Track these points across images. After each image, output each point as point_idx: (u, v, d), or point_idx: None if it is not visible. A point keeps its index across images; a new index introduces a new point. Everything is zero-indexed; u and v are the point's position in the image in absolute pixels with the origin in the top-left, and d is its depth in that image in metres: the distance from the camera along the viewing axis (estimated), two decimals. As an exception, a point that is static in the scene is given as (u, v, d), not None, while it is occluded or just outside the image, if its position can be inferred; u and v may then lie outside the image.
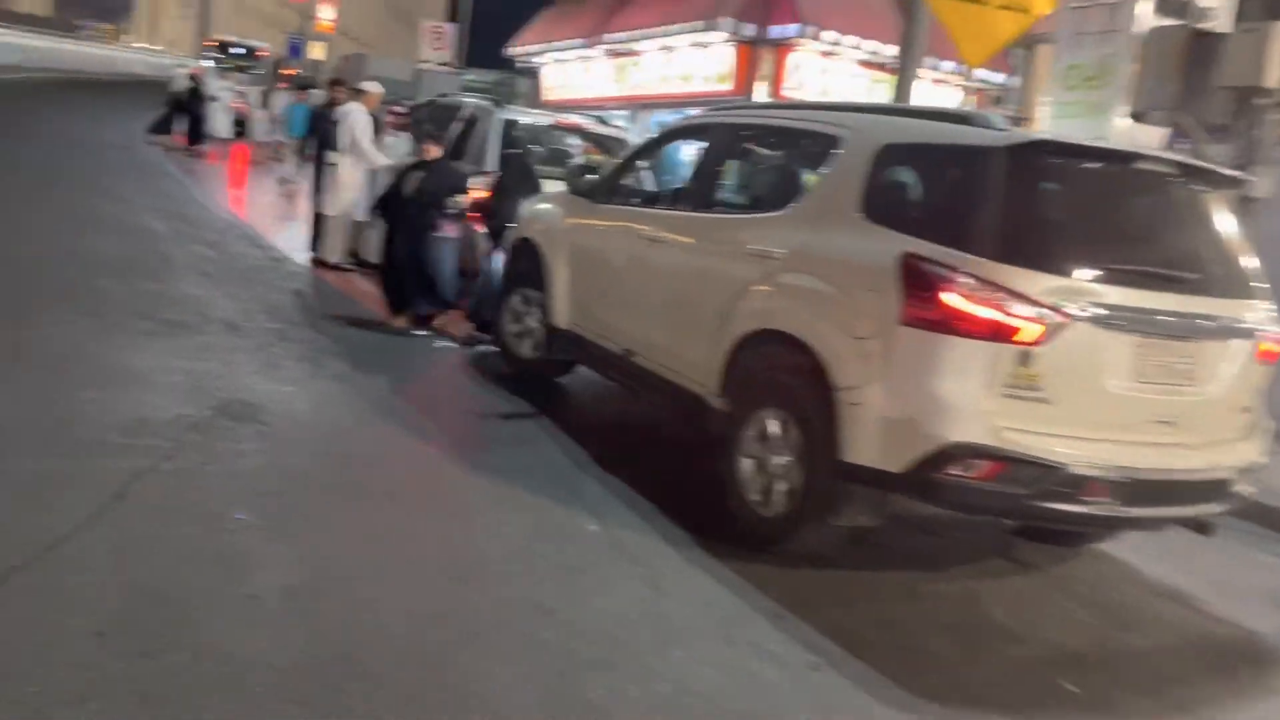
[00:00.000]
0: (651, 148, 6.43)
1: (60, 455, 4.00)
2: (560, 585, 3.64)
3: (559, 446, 5.34)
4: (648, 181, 6.63)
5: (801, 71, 13.38)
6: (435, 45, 18.97)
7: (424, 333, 7.46)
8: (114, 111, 26.96)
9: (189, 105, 19.03)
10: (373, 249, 8.61)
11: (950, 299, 3.64)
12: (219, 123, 19.43)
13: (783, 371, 4.29)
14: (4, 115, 20.44)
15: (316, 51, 42.16)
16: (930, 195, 4.27)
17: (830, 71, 13.48)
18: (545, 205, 6.69)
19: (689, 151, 6.38)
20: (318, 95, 17.56)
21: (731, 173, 5.64)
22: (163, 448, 4.26)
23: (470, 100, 9.51)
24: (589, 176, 6.13)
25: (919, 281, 3.72)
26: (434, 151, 7.58)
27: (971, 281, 3.64)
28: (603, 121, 9.74)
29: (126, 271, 7.86)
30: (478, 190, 7.68)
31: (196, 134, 19.01)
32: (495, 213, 7.48)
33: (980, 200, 3.83)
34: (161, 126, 19.50)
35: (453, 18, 43.20)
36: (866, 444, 3.81)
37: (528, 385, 6.50)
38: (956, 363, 3.65)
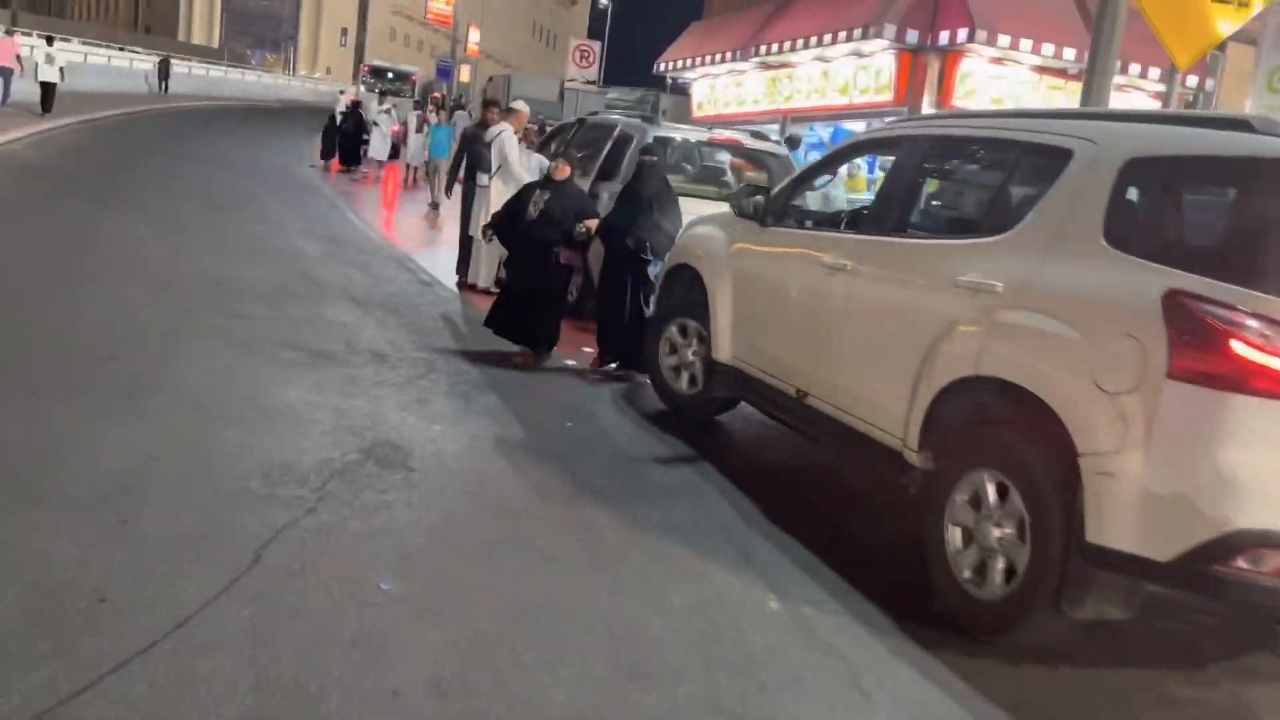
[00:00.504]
0: (829, 164, 5.83)
1: (198, 508, 3.70)
2: (744, 683, 3.08)
3: (725, 498, 4.80)
4: (826, 201, 6.04)
5: (971, 80, 12.51)
6: (582, 64, 18.83)
7: (564, 364, 7.06)
8: (276, 136, 28.10)
9: (348, 129, 19.61)
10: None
11: (1240, 348, 2.92)
12: (376, 146, 19.89)
13: (1003, 427, 3.63)
14: (175, 141, 21.44)
15: (464, 74, 43.28)
16: (1196, 218, 3.54)
17: (1003, 79, 12.55)
18: (706, 228, 6.17)
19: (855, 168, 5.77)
20: (462, 116, 17.79)
21: (931, 192, 4.99)
22: (305, 499, 3.92)
23: (621, 118, 9.11)
24: (756, 197, 5.58)
25: (1194, 325, 3.01)
26: (563, 170, 6.94)
27: (1265, 326, 2.91)
28: (761, 136, 9.18)
29: (277, 296, 7.77)
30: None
31: (355, 157, 19.62)
32: (625, 227, 6.71)
33: (1272, 224, 3.09)
34: (327, 151, 20.20)
35: (595, 36, 43.36)
36: (1120, 524, 3.11)
37: (685, 423, 5.99)
38: (1247, 428, 2.92)
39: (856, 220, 5.02)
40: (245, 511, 3.73)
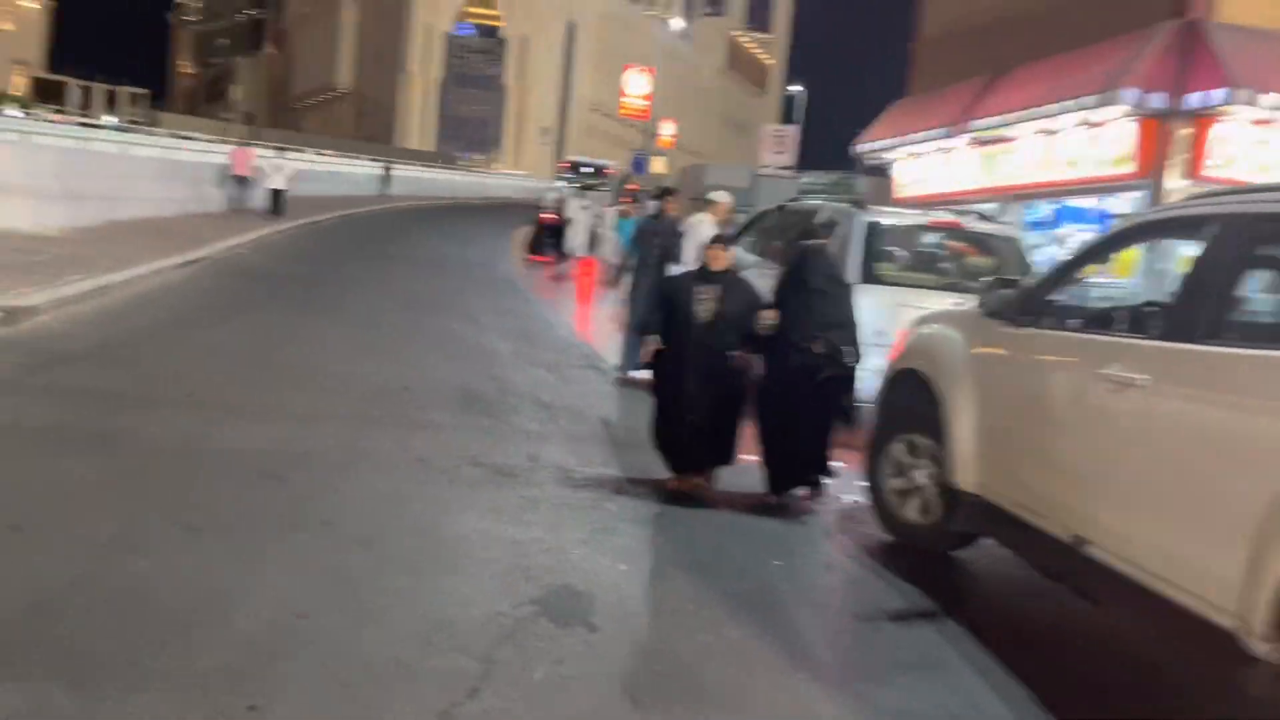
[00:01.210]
0: (1103, 250, 4.81)
1: (341, 689, 3.08)
2: None
3: (981, 677, 3.78)
4: (1099, 297, 5.01)
5: (1228, 146, 11.00)
6: (777, 150, 18.31)
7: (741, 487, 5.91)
8: (478, 232, 29.11)
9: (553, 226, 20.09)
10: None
11: None
12: (576, 241, 19.90)
13: None
14: (384, 241, 22.39)
15: (658, 166, 44.02)
16: None
17: (1269, 144, 10.95)
18: (938, 327, 5.26)
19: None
20: (651, 207, 17.51)
21: (1265, 287, 3.92)
22: (468, 672, 3.24)
23: (827, 202, 8.34)
24: (1006, 291, 4.63)
25: None
26: (724, 258, 5.70)
27: None
28: (986, 218, 8.17)
29: (463, 401, 7.37)
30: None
31: (558, 252, 19.93)
32: (796, 325, 5.48)
33: None
34: (536, 247, 20.62)
35: (787, 122, 43.20)
36: None
37: (916, 560, 5.00)
38: None
39: (1144, 320, 3.98)
40: (396, 694, 3.07)
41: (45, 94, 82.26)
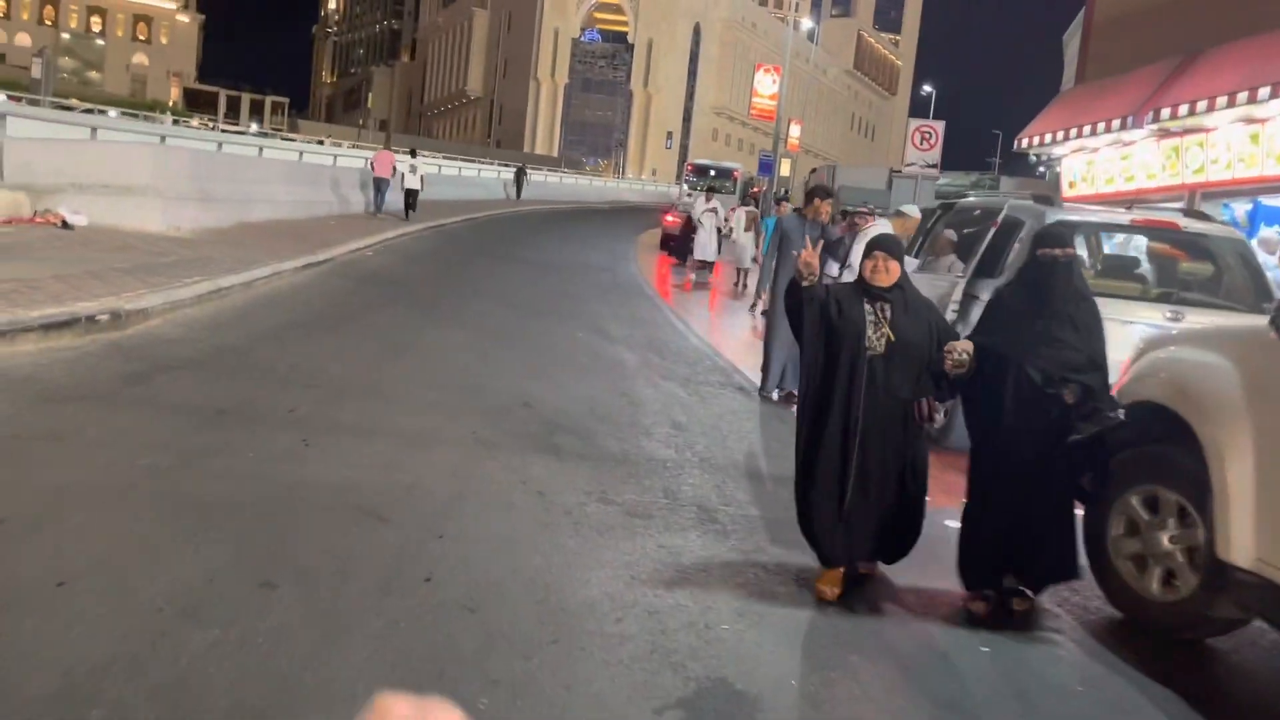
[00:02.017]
0: None
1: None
2: None
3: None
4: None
5: None
6: (923, 146, 17.01)
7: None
8: (602, 236, 28.56)
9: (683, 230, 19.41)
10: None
11: None
12: (702, 245, 18.96)
13: None
14: (508, 244, 22.00)
15: (784, 168, 42.79)
16: None
17: None
18: (1193, 351, 4.15)
19: None
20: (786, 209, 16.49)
21: None
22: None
23: (1007, 199, 7.20)
24: (1300, 307, 3.53)
25: None
26: (893, 271, 4.05)
27: None
28: (1205, 216, 6.90)
29: (589, 421, 6.57)
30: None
31: (690, 258, 19.27)
32: (1017, 357, 3.98)
33: None
34: (674, 250, 20.39)
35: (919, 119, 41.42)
36: None
37: (1159, 647, 3.93)
38: None
39: None
40: None
41: (196, 103, 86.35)
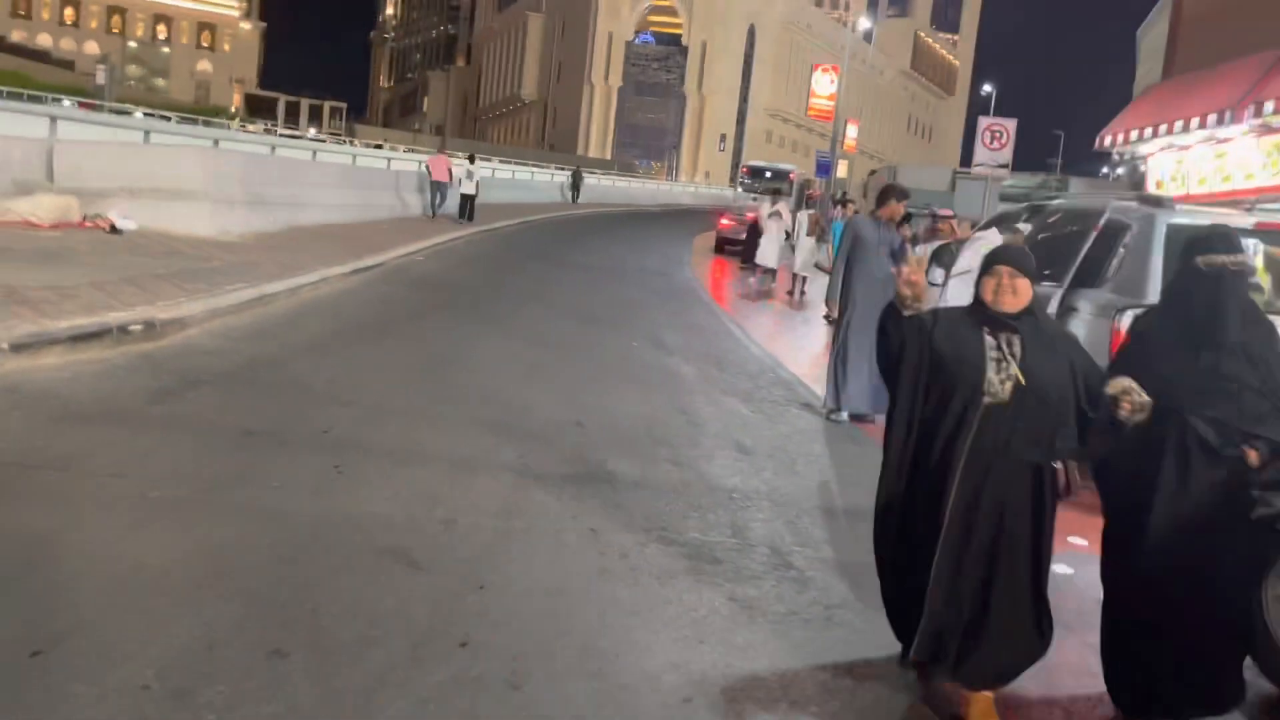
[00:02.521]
0: None
1: None
2: None
3: None
4: None
5: None
6: (993, 145, 16.20)
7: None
8: (656, 240, 28.05)
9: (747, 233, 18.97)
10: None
11: None
12: (765, 251, 17.97)
13: None
14: (563, 248, 21.58)
15: (841, 170, 41.91)
16: None
17: None
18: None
19: None
20: (838, 213, 15.73)
21: None
22: None
23: (1111, 198, 6.50)
24: None
25: None
26: (1021, 293, 3.08)
27: None
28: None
29: (645, 443, 6.04)
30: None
31: (750, 264, 18.77)
32: (1186, 405, 3.06)
33: None
34: (747, 254, 19.91)
35: (973, 124, 40.44)
36: None
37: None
38: None
39: None
40: None
41: (256, 109, 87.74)
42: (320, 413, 5.77)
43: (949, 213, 7.54)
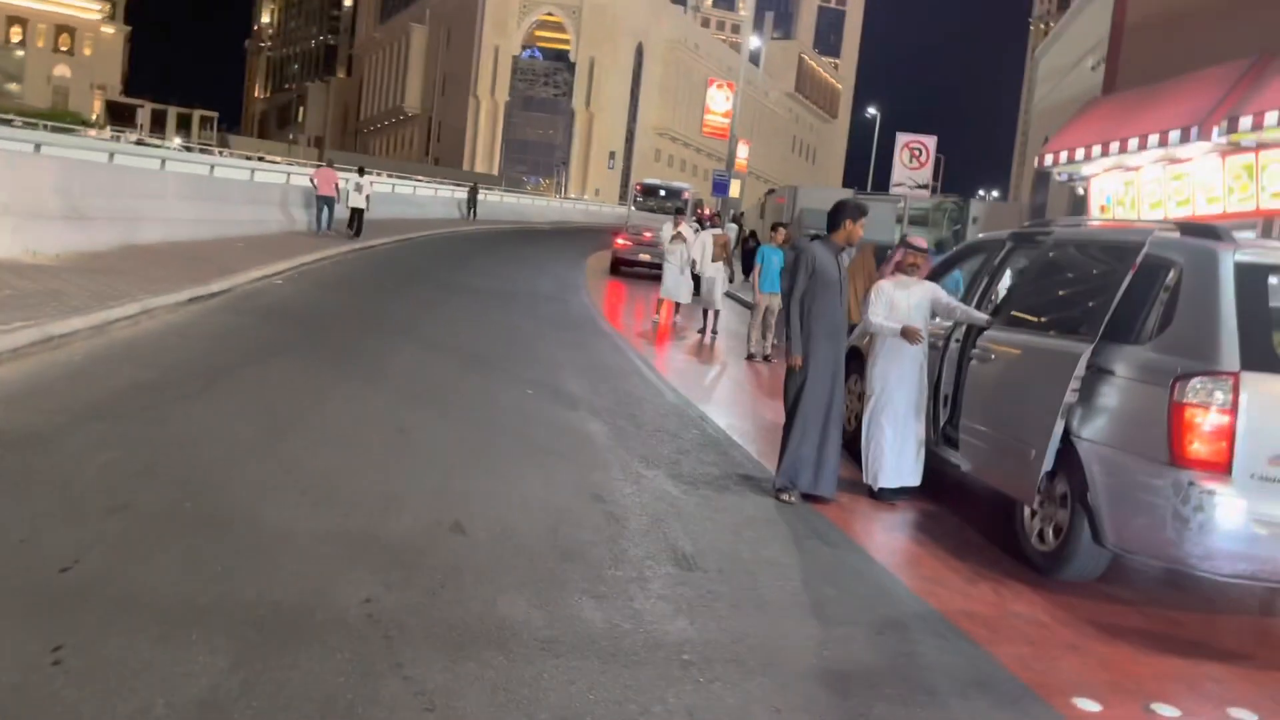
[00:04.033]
0: None
1: None
2: None
3: None
4: None
5: None
6: (913, 164, 15.10)
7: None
8: (549, 259, 26.42)
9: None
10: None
11: None
12: (675, 286, 14.64)
13: None
14: (446, 268, 19.69)
15: (734, 190, 40.99)
16: None
17: None
18: None
19: None
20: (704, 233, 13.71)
21: None
22: None
23: (1151, 230, 5.09)
24: None
25: None
26: None
27: None
28: None
29: (551, 558, 4.36)
30: None
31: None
32: None
33: None
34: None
35: (857, 150, 39.97)
36: None
37: None
38: None
39: None
40: None
41: (118, 116, 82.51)
42: (72, 531, 3.89)
43: (922, 243, 6.11)
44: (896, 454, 5.98)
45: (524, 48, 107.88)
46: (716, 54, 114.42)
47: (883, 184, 28.16)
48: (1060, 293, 5.41)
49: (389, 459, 5.65)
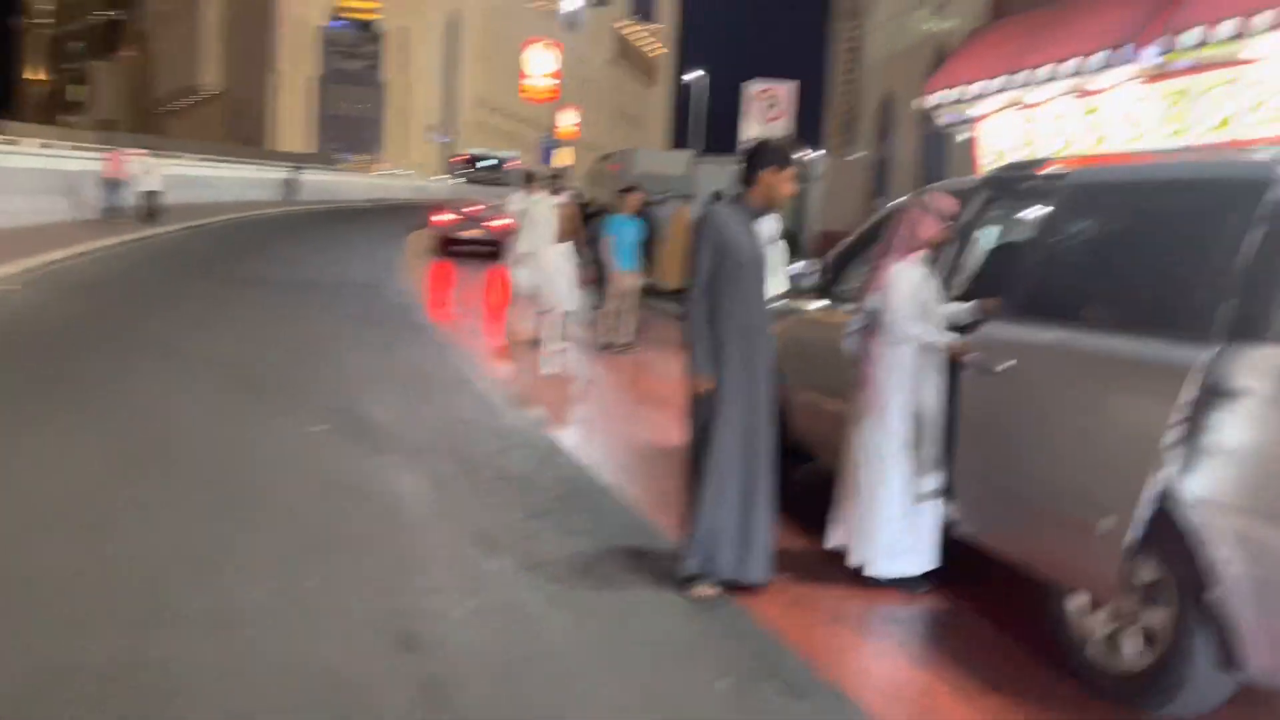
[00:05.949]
0: None
1: None
2: None
3: None
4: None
5: None
6: (769, 115, 13.35)
7: None
8: (363, 239, 23.70)
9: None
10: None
11: None
12: (543, 282, 9.19)
13: None
14: (239, 258, 16.82)
15: (565, 158, 38.73)
16: None
17: None
18: None
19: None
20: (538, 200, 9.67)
21: None
22: None
23: (1267, 170, 3.27)
24: None
25: None
26: None
27: None
28: None
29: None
30: None
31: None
32: None
33: None
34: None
35: (680, 114, 38.60)
36: None
37: None
38: None
39: None
40: None
41: None
42: None
43: (956, 205, 4.06)
44: (910, 525, 3.94)
45: (333, 18, 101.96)
46: (534, 23, 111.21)
47: (725, 144, 26.53)
48: (1114, 265, 3.54)
49: (58, 589, 3.29)
